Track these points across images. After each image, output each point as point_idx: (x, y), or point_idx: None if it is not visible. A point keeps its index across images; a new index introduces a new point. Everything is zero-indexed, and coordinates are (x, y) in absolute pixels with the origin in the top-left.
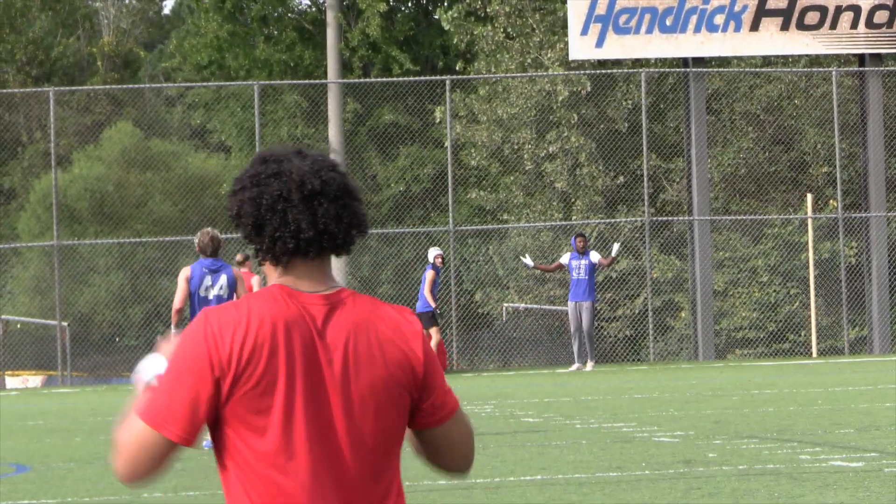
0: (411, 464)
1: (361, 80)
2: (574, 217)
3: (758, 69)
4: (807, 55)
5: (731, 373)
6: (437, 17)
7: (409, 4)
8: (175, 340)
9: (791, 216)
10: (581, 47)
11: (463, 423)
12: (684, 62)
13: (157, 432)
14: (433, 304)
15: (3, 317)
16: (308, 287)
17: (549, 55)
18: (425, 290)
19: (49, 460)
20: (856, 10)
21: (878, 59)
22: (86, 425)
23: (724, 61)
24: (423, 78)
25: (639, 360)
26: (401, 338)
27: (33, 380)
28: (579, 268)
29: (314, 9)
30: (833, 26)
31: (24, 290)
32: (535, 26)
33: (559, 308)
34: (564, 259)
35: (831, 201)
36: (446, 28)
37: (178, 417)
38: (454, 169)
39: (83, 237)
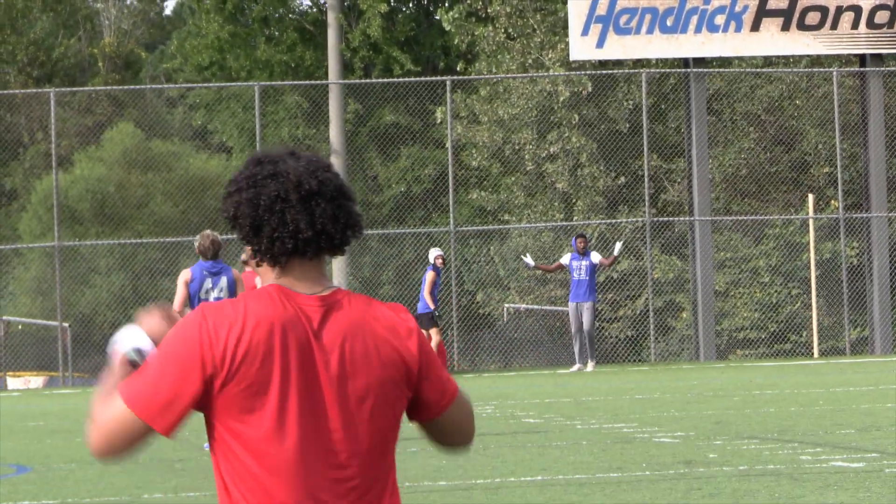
0: (412, 464)
1: (362, 80)
2: (575, 217)
3: (758, 69)
4: (808, 55)
5: (732, 373)
6: (437, 17)
7: (410, 5)
8: (170, 329)
9: (792, 216)
10: (582, 48)
11: (463, 405)
12: (685, 62)
13: (138, 418)
14: (432, 306)
15: (4, 318)
16: (304, 288)
17: (550, 56)
18: (425, 291)
19: (50, 461)
20: (856, 10)
21: (878, 59)
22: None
23: (724, 62)
24: (423, 79)
25: (640, 360)
26: (395, 336)
27: (35, 381)
28: (580, 268)
29: (315, 10)
30: (834, 26)
31: (25, 291)
32: (535, 27)
33: (560, 308)
34: (565, 260)
35: (832, 201)
36: (447, 29)
37: (162, 408)
38: (455, 169)
39: (84, 238)
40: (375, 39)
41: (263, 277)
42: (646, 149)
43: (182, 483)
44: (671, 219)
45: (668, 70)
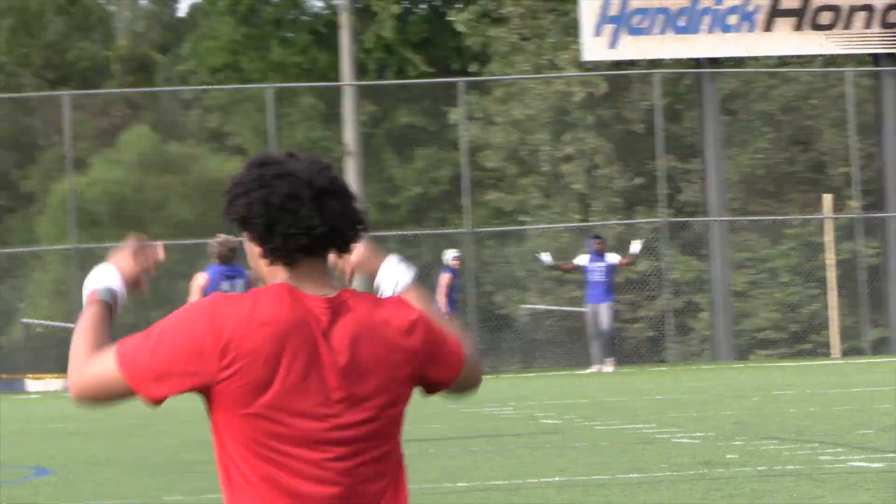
0: (431, 465)
1: (375, 82)
2: (592, 218)
3: (772, 69)
4: (821, 55)
5: (751, 374)
6: (450, 18)
7: (423, 6)
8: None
9: (810, 216)
10: (594, 48)
11: (470, 366)
12: (698, 63)
13: (127, 383)
14: (444, 309)
15: (23, 320)
16: (312, 289)
17: (563, 56)
18: (439, 293)
19: (70, 463)
20: (869, 9)
21: (892, 58)
22: (106, 428)
23: (738, 62)
24: (435, 80)
25: (659, 361)
26: (402, 335)
27: (55, 383)
28: (597, 270)
29: (328, 11)
30: (847, 26)
31: (44, 294)
32: (549, 28)
33: (579, 309)
34: (581, 261)
35: (849, 201)
36: (460, 30)
37: (152, 379)
38: (471, 171)
39: (102, 240)
40: (388, 41)
41: (270, 277)
42: (661, 149)
43: (203, 485)
44: (688, 219)
45: (681, 70)
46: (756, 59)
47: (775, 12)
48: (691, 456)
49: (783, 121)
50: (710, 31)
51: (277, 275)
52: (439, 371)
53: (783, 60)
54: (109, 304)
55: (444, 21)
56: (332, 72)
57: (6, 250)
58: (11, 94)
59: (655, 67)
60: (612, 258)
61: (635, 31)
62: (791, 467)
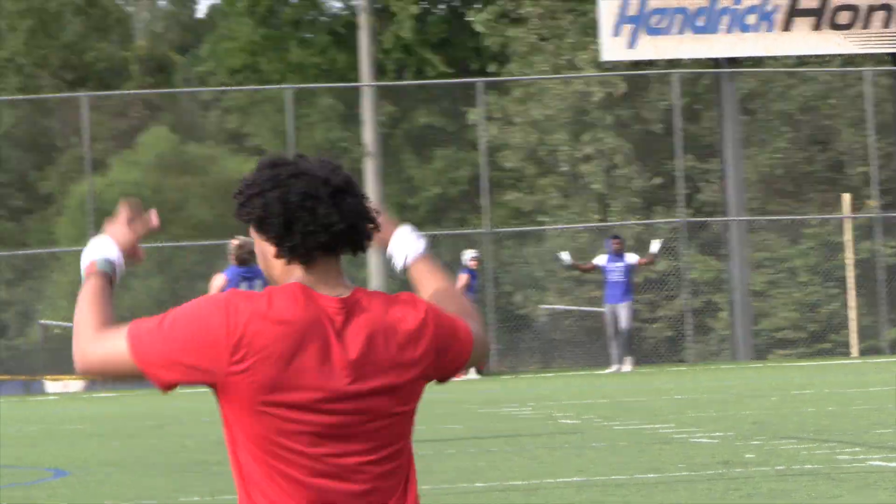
0: (448, 466)
1: (394, 83)
2: (611, 218)
3: (790, 69)
4: (839, 55)
5: (770, 373)
6: (469, 18)
7: (441, 7)
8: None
9: (829, 216)
10: (613, 48)
11: (479, 342)
12: (716, 62)
13: (137, 366)
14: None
15: (42, 321)
16: (326, 289)
17: (582, 56)
18: None
19: (87, 465)
20: (888, 9)
21: None
22: (124, 429)
23: (757, 61)
24: (453, 81)
25: (678, 361)
26: (415, 336)
27: (74, 384)
28: (616, 270)
29: (347, 12)
30: (865, 26)
31: (63, 295)
32: (567, 28)
33: (598, 309)
34: (600, 261)
35: (868, 201)
36: (479, 30)
37: (161, 367)
38: (490, 171)
39: None
40: (407, 41)
41: (284, 277)
42: (679, 149)
43: (220, 486)
44: (707, 219)
45: (700, 70)
46: (774, 58)
47: (794, 12)
48: (710, 456)
49: (802, 120)
50: (729, 30)
51: (293, 274)
52: (450, 363)
53: (802, 60)
54: (109, 275)
55: (462, 21)
56: (351, 72)
57: (25, 251)
58: (30, 95)
59: (674, 67)
60: (631, 258)
61: (654, 31)
62: (809, 467)
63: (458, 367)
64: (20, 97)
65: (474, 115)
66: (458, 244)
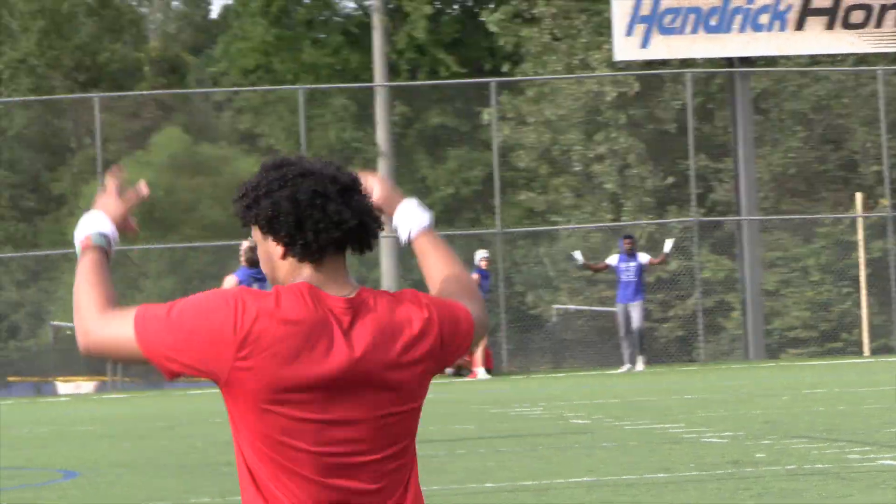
0: (458, 466)
1: (407, 83)
2: (624, 218)
3: (803, 68)
4: (852, 54)
5: (781, 373)
6: (483, 19)
7: (455, 7)
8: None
9: (841, 215)
10: (626, 48)
11: (480, 324)
12: (730, 62)
13: (142, 353)
14: None
15: (53, 323)
16: (333, 289)
17: (595, 56)
18: None
19: (98, 466)
20: None
21: None
22: (135, 431)
23: (770, 61)
24: (466, 81)
25: (690, 360)
26: (421, 335)
27: (85, 385)
28: (628, 270)
29: (360, 12)
30: (878, 25)
31: None
32: (580, 28)
33: (610, 309)
34: (612, 260)
35: (881, 200)
36: (492, 30)
37: (168, 356)
38: (503, 171)
39: (134, 243)
40: (421, 42)
41: (290, 278)
42: (692, 149)
43: (230, 487)
44: (719, 219)
45: (713, 70)
46: (787, 58)
47: (807, 11)
48: (720, 455)
49: (815, 119)
50: (742, 30)
51: (300, 274)
52: (453, 354)
53: (815, 59)
54: (105, 249)
55: (476, 21)
56: (365, 73)
57: (36, 252)
58: (42, 96)
59: (687, 67)
60: (643, 258)
61: (667, 31)
62: (819, 466)
63: (460, 356)
64: (33, 98)
65: (487, 115)
66: (470, 244)
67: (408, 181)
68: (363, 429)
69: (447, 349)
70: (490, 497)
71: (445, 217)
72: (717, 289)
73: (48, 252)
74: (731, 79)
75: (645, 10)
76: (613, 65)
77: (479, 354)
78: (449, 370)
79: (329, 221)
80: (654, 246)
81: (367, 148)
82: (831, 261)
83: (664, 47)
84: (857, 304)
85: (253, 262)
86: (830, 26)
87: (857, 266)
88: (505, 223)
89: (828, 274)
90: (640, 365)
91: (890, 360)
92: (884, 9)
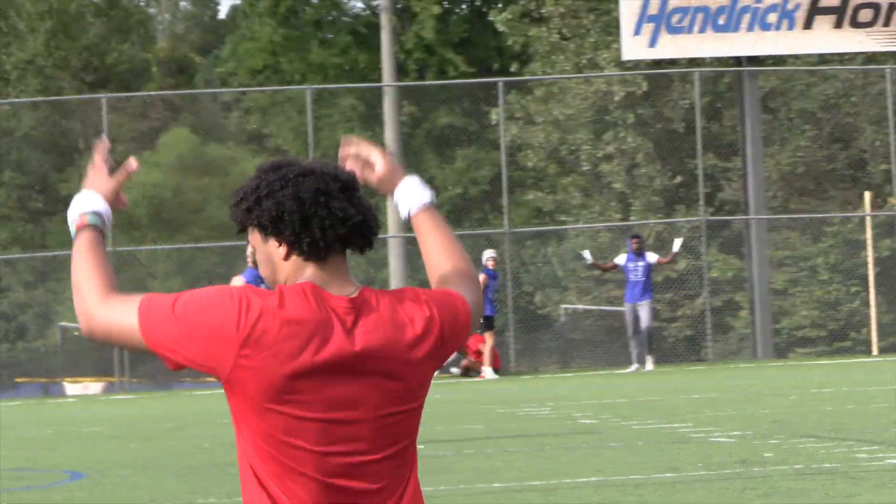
0: (466, 466)
1: (415, 83)
2: (632, 217)
3: (812, 67)
4: (861, 52)
5: (790, 372)
6: (491, 18)
7: (463, 7)
8: (214, 287)
9: (850, 214)
10: (634, 47)
11: (475, 309)
12: (738, 61)
13: (145, 343)
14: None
15: (61, 324)
16: (335, 288)
17: (604, 56)
18: None
19: (104, 467)
20: None
21: None
22: (142, 432)
23: (778, 60)
24: (474, 80)
25: (698, 360)
26: (424, 333)
27: (93, 386)
28: (636, 269)
29: (368, 12)
30: (886, 23)
31: None
32: (589, 27)
33: (618, 308)
34: (620, 260)
35: (889, 198)
36: (501, 30)
37: (170, 348)
38: (511, 170)
39: (142, 243)
40: (429, 41)
41: (293, 278)
42: (700, 148)
43: (236, 488)
44: (728, 218)
45: (721, 69)
46: (796, 57)
47: (815, 10)
48: (728, 455)
49: (823, 118)
50: (750, 29)
51: (303, 274)
52: (452, 347)
53: (823, 58)
54: (100, 228)
55: (484, 21)
56: (373, 73)
57: (44, 253)
58: (50, 97)
59: (695, 66)
60: (651, 257)
61: (675, 30)
62: (827, 465)
63: (457, 348)
64: (41, 99)
65: (496, 114)
66: (478, 244)
67: None
68: (365, 428)
69: (447, 345)
70: (498, 497)
71: (453, 217)
72: (725, 288)
73: (56, 253)
74: (739, 78)
75: (653, 9)
76: (622, 64)
77: (487, 355)
78: (455, 370)
79: (335, 218)
80: (662, 245)
81: None
82: (840, 260)
83: (672, 46)
84: (866, 303)
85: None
86: (839, 25)
87: (865, 265)
88: (513, 223)
89: (836, 273)
90: (649, 364)
91: None
92: (892, 7)
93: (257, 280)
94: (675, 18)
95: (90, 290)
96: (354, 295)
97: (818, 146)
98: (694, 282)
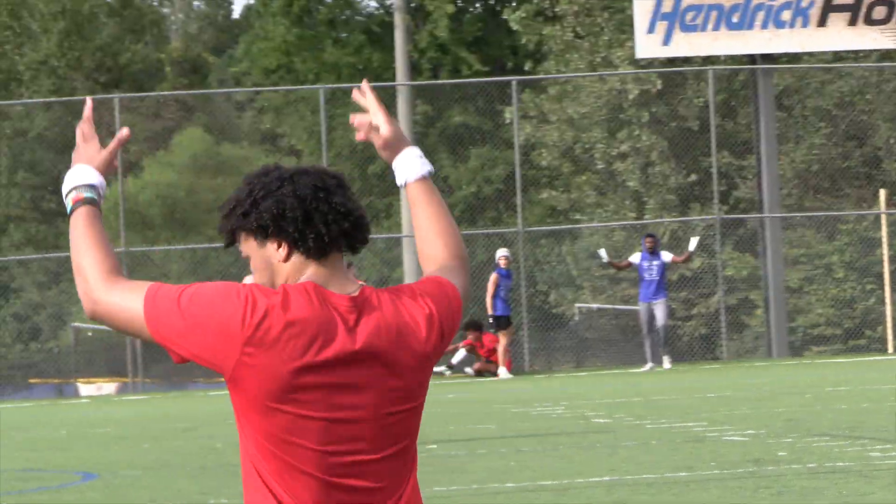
0: (479, 466)
1: (429, 82)
2: (647, 216)
3: (826, 65)
4: (875, 50)
5: (804, 370)
6: (505, 17)
7: (477, 5)
8: (219, 283)
9: (865, 212)
10: (648, 45)
11: (465, 292)
12: (752, 59)
13: (150, 333)
14: (490, 311)
15: (74, 324)
16: (336, 287)
17: (618, 54)
18: (488, 293)
19: (116, 468)
20: None
21: None
22: (154, 432)
23: (793, 57)
24: (488, 79)
25: (713, 358)
26: (426, 331)
27: (107, 387)
28: (650, 268)
29: (381, 11)
30: None
31: None
32: (603, 25)
33: (633, 307)
34: (634, 259)
35: None
36: (515, 28)
37: (174, 340)
38: (525, 169)
39: (155, 243)
40: (443, 40)
41: (293, 279)
42: (714, 146)
43: None
44: (742, 216)
45: (735, 67)
46: (810, 54)
47: (829, 7)
48: (742, 454)
49: (838, 116)
50: (764, 26)
51: (304, 274)
52: (450, 340)
53: (837, 56)
54: (96, 201)
55: (498, 20)
56: (387, 72)
57: (58, 254)
58: (63, 97)
59: (709, 64)
60: (666, 256)
61: (689, 28)
62: (841, 464)
63: (455, 333)
64: (54, 99)
65: (509, 113)
66: (492, 243)
67: None
68: (366, 428)
69: (446, 341)
70: (511, 497)
71: (468, 216)
72: (740, 286)
73: (69, 253)
74: (753, 76)
75: (667, 7)
76: (636, 62)
77: (501, 355)
78: (469, 370)
79: (337, 212)
80: (677, 244)
81: None
82: (855, 258)
83: (686, 44)
84: (881, 301)
85: None
86: (853, 22)
87: (880, 263)
88: (527, 222)
89: (851, 271)
90: (666, 363)
91: None
92: None
93: None
94: (689, 16)
95: (93, 272)
96: (356, 293)
97: (833, 144)
98: (709, 280)
